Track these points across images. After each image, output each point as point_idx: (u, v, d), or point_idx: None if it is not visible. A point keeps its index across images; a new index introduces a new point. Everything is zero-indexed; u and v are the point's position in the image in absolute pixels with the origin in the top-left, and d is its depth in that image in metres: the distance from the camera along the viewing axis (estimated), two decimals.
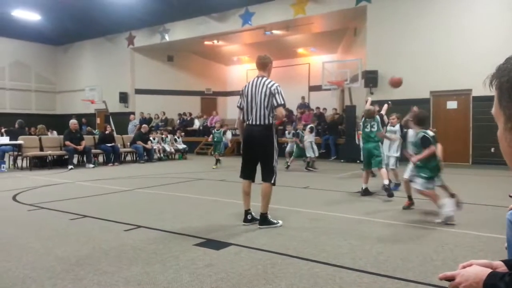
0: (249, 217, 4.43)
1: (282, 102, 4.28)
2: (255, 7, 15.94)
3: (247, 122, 4.40)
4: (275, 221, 4.38)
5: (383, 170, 6.35)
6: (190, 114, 19.55)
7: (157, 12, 16.77)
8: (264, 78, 4.37)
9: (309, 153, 10.54)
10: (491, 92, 0.74)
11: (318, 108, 16.28)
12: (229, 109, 22.04)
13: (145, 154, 13.42)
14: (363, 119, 6.85)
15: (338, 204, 5.72)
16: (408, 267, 3.05)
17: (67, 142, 11.37)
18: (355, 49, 15.63)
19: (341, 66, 14.90)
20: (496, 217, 4.66)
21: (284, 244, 3.69)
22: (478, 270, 1.07)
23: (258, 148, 4.35)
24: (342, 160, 13.20)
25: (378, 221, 4.63)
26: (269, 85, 4.27)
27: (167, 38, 18.74)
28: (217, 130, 12.13)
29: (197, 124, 19.02)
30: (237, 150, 16.35)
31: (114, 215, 4.91)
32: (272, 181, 4.35)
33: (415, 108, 7.96)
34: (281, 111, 4.30)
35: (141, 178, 8.99)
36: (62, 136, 11.97)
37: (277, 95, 4.26)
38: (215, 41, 18.15)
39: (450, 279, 1.11)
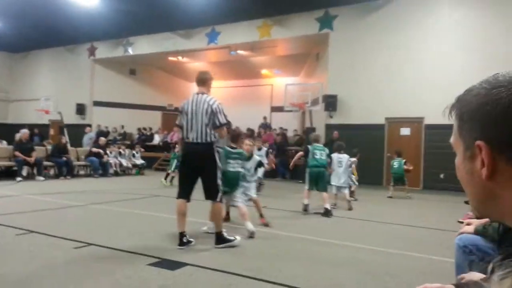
0: (184, 239, 4.18)
1: (225, 122, 4.25)
2: (222, 27, 16.11)
3: (188, 140, 4.25)
4: (231, 238, 4.31)
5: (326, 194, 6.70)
6: (150, 129, 19.21)
7: (121, 25, 16.53)
8: (205, 95, 4.27)
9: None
10: (450, 121, 0.78)
11: (281, 128, 16.51)
12: None
13: (100, 168, 12.96)
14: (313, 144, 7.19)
15: (295, 225, 5.75)
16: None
17: (17, 153, 10.80)
18: (317, 73, 16.10)
19: (303, 89, 15.27)
20: (447, 241, 4.86)
21: (240, 264, 3.66)
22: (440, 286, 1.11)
23: (201, 167, 4.22)
24: (300, 181, 13.34)
25: (334, 242, 4.69)
26: (211, 103, 4.19)
27: (130, 51, 18.47)
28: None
29: (157, 139, 18.69)
30: None
31: (64, 231, 4.67)
32: (219, 199, 4.28)
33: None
34: (223, 131, 4.31)
35: (94, 193, 8.65)
36: (11, 146, 11.36)
37: (219, 115, 4.20)
38: (180, 58, 18.10)
39: None
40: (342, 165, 7.71)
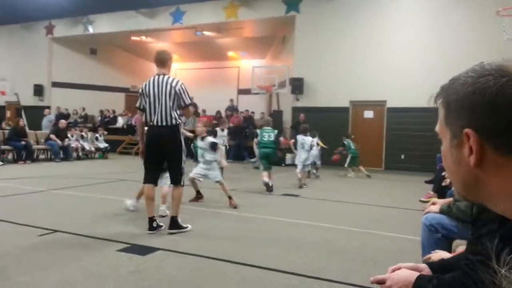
0: (154, 224, 4.12)
1: (190, 102, 4.20)
2: (187, 6, 15.72)
3: (151, 123, 4.13)
4: (184, 226, 4.22)
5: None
6: (114, 112, 18.64)
7: (81, 2, 15.78)
8: (167, 76, 4.16)
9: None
10: (435, 106, 0.79)
11: (246, 111, 16.46)
12: None
13: (61, 152, 12.51)
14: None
15: (266, 206, 5.82)
16: (332, 267, 3.20)
17: None
18: (283, 56, 16.10)
19: (269, 72, 15.25)
20: (409, 219, 5.08)
21: (212, 247, 3.67)
22: (407, 274, 1.16)
23: (166, 150, 4.14)
24: (251, 160, 13.25)
25: (304, 223, 4.80)
26: (174, 85, 4.10)
27: (90, 30, 17.72)
28: None
29: (120, 122, 18.18)
30: None
31: (27, 218, 4.50)
32: (182, 183, 4.23)
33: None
34: (189, 111, 4.31)
35: (56, 178, 8.35)
36: None
37: (183, 95, 4.13)
38: (143, 37, 17.57)
39: (381, 282, 1.18)
40: (304, 146, 8.25)
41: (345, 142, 10.90)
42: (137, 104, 4.28)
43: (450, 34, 11.78)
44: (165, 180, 4.81)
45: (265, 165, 7.39)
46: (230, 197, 5.71)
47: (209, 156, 5.78)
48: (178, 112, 4.14)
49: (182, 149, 4.19)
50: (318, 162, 10.25)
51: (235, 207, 5.57)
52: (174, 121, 4.10)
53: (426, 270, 1.28)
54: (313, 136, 9.20)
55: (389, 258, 3.46)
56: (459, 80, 0.73)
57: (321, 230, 4.48)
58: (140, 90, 4.24)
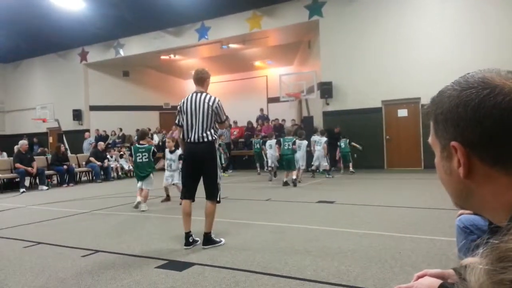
0: (190, 239, 4.21)
1: (225, 118, 4.41)
2: (211, 22, 16.04)
3: (189, 140, 4.25)
4: (218, 240, 4.28)
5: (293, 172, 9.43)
6: (149, 129, 19.16)
7: (111, 27, 16.46)
8: (204, 94, 4.28)
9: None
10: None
11: (277, 119, 16.50)
12: None
13: (102, 173, 13.01)
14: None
15: (300, 214, 5.80)
16: (368, 275, 3.14)
17: (17, 165, 10.83)
18: (310, 61, 16.06)
19: (297, 78, 15.24)
20: (448, 220, 4.90)
21: (247, 260, 3.70)
22: (430, 282, 1.14)
23: (202, 166, 4.22)
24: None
25: (338, 230, 4.74)
26: (211, 103, 4.21)
27: (121, 53, 18.41)
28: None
29: (156, 139, 18.68)
30: None
31: (70, 240, 4.72)
32: (218, 199, 4.28)
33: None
34: (224, 125, 4.58)
35: (98, 198, 8.70)
36: (11, 158, 11.38)
37: (220, 112, 4.28)
38: (172, 56, 18.03)
39: None
40: (301, 149, 10.03)
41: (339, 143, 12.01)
42: (176, 121, 4.41)
43: (483, 27, 11.40)
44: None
45: (287, 168, 9.55)
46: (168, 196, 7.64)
47: (175, 166, 7.69)
48: (214, 128, 4.26)
49: (218, 165, 4.29)
50: (324, 163, 11.12)
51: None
52: (210, 138, 4.21)
53: (453, 277, 1.25)
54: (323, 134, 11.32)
55: (428, 262, 3.36)
56: (445, 93, 0.74)
57: (357, 237, 4.41)
58: (178, 107, 4.36)
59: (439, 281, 1.15)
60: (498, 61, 10.01)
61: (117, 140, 18.71)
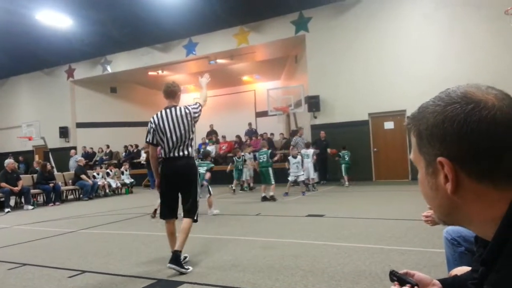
0: (182, 257, 4.00)
1: (200, 106, 4.26)
2: (199, 37, 16.15)
3: (169, 156, 4.07)
4: (185, 267, 3.87)
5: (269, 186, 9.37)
6: (137, 146, 19.06)
7: (98, 44, 16.45)
8: (178, 108, 4.13)
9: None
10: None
11: (265, 133, 16.54)
12: None
13: (89, 191, 12.81)
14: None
15: (290, 229, 5.77)
16: None
17: (3, 184, 10.62)
18: (297, 75, 16.22)
19: (285, 92, 15.36)
20: (437, 232, 4.92)
21: (237, 277, 3.66)
22: None
23: (183, 182, 4.07)
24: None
25: (327, 244, 4.73)
26: (188, 113, 4.11)
27: (109, 69, 18.38)
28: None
29: (143, 156, 18.52)
30: None
31: (57, 260, 4.62)
32: (195, 217, 4.10)
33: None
34: (204, 100, 4.43)
35: (85, 217, 8.55)
36: None
37: (196, 110, 4.20)
38: (160, 71, 18.06)
39: None
40: (309, 158, 11.03)
41: (340, 154, 12.17)
42: (148, 139, 4.17)
43: (464, 41, 11.69)
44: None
45: (263, 181, 9.54)
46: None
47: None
48: (191, 144, 4.16)
49: (197, 181, 4.17)
50: (312, 177, 11.32)
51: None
52: (191, 153, 4.12)
53: (438, 286, 1.26)
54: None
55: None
56: (428, 109, 0.74)
57: (347, 251, 4.40)
58: (151, 125, 4.14)
59: None
60: (480, 74, 10.24)
61: (104, 157, 18.52)
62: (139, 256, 4.71)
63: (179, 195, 4.17)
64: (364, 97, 12.92)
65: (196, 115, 4.19)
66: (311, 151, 11.30)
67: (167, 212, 4.14)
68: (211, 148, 15.88)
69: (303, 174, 10.25)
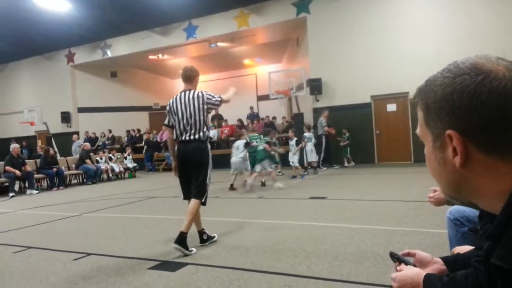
0: (204, 236, 4.22)
1: (220, 99, 4.29)
2: (199, 20, 15.96)
3: (181, 139, 4.14)
4: (189, 249, 3.92)
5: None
6: (139, 131, 19.07)
7: (97, 28, 16.30)
8: (192, 91, 4.19)
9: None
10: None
11: (267, 117, 16.50)
12: None
13: (93, 175, 12.88)
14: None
15: (293, 211, 5.80)
16: (361, 270, 3.16)
17: (8, 168, 10.66)
18: (299, 58, 16.08)
19: (286, 76, 15.25)
20: (439, 213, 4.94)
21: (241, 258, 3.69)
22: (413, 274, 1.14)
23: (193, 165, 4.11)
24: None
25: (330, 225, 4.76)
26: (200, 97, 4.14)
27: (109, 53, 18.24)
28: None
29: None
30: None
31: (61, 243, 4.66)
32: (203, 200, 4.11)
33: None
34: (227, 99, 4.45)
35: (89, 201, 8.61)
36: (3, 162, 11.20)
37: (213, 100, 4.22)
38: (160, 55, 17.92)
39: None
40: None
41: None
42: (165, 121, 4.29)
43: (466, 20, 11.53)
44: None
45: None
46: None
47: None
48: (206, 126, 4.20)
49: (209, 164, 4.17)
50: (310, 160, 10.89)
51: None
52: (202, 136, 4.14)
53: (440, 264, 1.26)
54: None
55: None
56: (436, 82, 0.72)
57: (349, 232, 4.43)
58: (167, 107, 4.26)
59: (422, 273, 1.15)
60: (482, 53, 10.12)
61: (106, 142, 18.56)
62: (142, 238, 4.75)
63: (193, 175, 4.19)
64: (366, 80, 12.83)
65: (210, 101, 4.20)
66: (310, 134, 11.19)
67: (184, 193, 4.25)
68: (213, 132, 15.86)
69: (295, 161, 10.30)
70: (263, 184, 8.87)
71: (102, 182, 12.97)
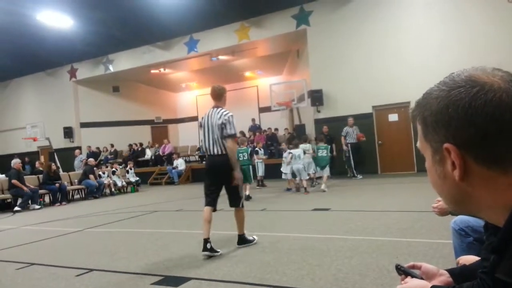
0: (208, 246, 4.27)
1: (232, 132, 4.42)
2: (199, 34, 16.11)
3: (208, 153, 4.51)
4: (251, 238, 4.69)
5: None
6: (141, 144, 19.11)
7: (99, 43, 16.45)
8: (219, 109, 4.50)
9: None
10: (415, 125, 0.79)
11: (269, 128, 16.52)
12: (181, 136, 21.81)
13: (95, 190, 12.88)
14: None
15: (297, 223, 5.77)
16: (366, 282, 3.12)
17: (15, 182, 10.67)
18: (299, 69, 16.15)
19: (287, 87, 15.31)
20: (443, 223, 4.90)
21: (244, 272, 3.66)
22: (419, 286, 1.13)
23: (223, 177, 4.45)
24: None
25: (334, 237, 4.72)
26: (222, 115, 4.43)
27: (111, 68, 18.38)
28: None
29: (148, 154, 18.61)
30: (192, 177, 16.13)
31: (64, 259, 4.64)
32: (241, 205, 4.60)
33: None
34: (230, 142, 4.41)
35: (91, 216, 8.59)
36: (3, 179, 11.22)
37: (227, 125, 4.39)
38: (162, 69, 18.04)
39: None
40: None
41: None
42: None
43: (467, 30, 11.56)
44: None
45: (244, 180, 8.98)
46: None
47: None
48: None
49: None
50: (310, 172, 10.23)
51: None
52: (225, 151, 4.43)
53: (446, 276, 1.25)
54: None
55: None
56: (432, 95, 0.72)
57: (353, 243, 4.39)
58: (199, 123, 4.77)
59: (428, 284, 1.14)
60: (483, 63, 10.12)
61: (109, 156, 18.58)
62: (145, 253, 4.72)
63: (220, 188, 4.57)
64: (368, 90, 12.85)
65: (225, 123, 4.40)
66: (307, 146, 10.26)
67: (207, 201, 4.51)
68: None
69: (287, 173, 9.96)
70: (249, 197, 8.84)
71: (104, 197, 12.95)
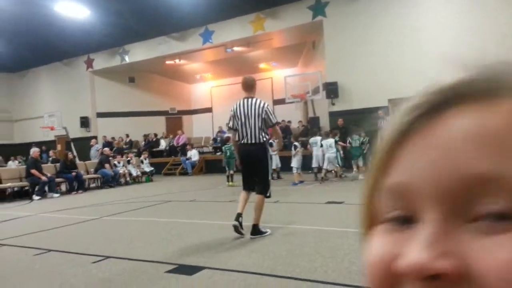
0: (240, 219, 4.56)
1: (275, 121, 4.82)
2: (214, 25, 16.08)
3: (242, 142, 4.71)
4: (264, 231, 4.71)
5: None
6: (156, 135, 19.28)
7: (116, 34, 16.58)
8: (254, 99, 4.69)
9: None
10: None
11: (283, 121, 16.46)
12: (195, 128, 21.92)
13: (111, 179, 13.07)
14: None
15: (310, 216, 5.77)
16: None
17: (34, 171, 10.90)
18: (314, 61, 16.03)
19: (302, 79, 15.22)
20: None
21: (257, 262, 3.68)
22: None
23: (256, 165, 4.69)
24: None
25: (347, 230, 4.70)
26: (262, 106, 4.64)
27: (127, 59, 18.53)
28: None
29: (163, 144, 18.77)
30: (205, 168, 16.24)
31: (81, 246, 4.73)
32: (268, 194, 4.75)
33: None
34: (276, 130, 5.01)
35: (107, 205, 8.73)
36: (22, 167, 11.47)
37: (270, 116, 4.67)
38: (177, 60, 18.11)
39: None
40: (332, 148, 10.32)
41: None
42: (230, 124, 4.89)
43: (486, 20, 11.28)
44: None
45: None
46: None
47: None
48: (265, 130, 4.70)
49: (268, 164, 4.78)
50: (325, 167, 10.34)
51: None
52: (261, 139, 4.65)
53: None
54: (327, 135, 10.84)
55: None
56: None
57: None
58: (231, 112, 4.77)
59: None
60: (503, 55, 9.90)
61: (124, 146, 18.80)
62: (160, 242, 4.79)
63: (254, 173, 4.79)
64: (384, 83, 12.68)
65: (267, 113, 4.66)
66: (331, 140, 10.35)
67: (244, 185, 4.83)
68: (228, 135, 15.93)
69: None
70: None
71: (120, 186, 13.14)
